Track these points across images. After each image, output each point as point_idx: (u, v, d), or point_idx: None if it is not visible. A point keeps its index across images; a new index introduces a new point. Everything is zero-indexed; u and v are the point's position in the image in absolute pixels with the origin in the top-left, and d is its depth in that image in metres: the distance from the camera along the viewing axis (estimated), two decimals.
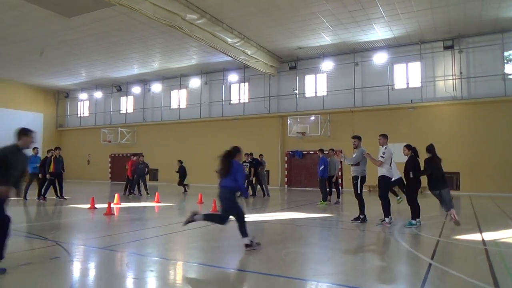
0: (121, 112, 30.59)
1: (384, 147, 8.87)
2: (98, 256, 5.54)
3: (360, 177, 8.89)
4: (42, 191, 13.29)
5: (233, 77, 25.37)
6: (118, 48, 21.82)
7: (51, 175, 13.31)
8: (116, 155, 30.15)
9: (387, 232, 7.72)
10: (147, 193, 16.45)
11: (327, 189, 13.54)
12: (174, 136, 27.42)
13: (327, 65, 22.25)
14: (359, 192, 8.89)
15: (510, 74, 18.57)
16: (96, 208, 11.18)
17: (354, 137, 9.33)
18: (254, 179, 16.49)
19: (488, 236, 7.25)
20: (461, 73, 19.28)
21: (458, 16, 17.05)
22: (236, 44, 19.10)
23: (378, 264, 5.56)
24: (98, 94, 30.71)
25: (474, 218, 9.90)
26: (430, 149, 8.88)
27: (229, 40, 18.51)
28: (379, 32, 19.02)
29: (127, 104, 30.32)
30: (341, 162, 12.94)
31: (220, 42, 18.26)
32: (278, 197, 17.07)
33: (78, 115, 32.87)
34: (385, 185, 8.62)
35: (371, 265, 5.46)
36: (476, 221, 9.43)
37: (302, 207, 12.36)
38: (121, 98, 30.61)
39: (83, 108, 32.78)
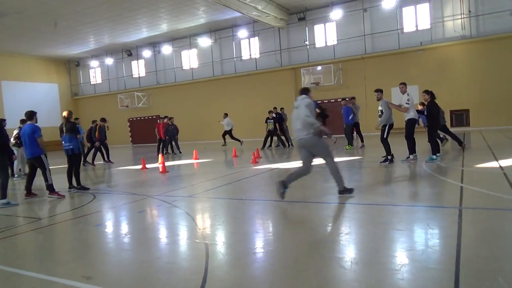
0: (133, 76, 31.23)
1: (406, 93, 9.84)
2: (193, 203, 6.74)
3: (388, 124, 9.85)
4: (91, 157, 14.55)
5: (242, 33, 25.72)
6: (129, 13, 22.18)
7: (95, 142, 14.47)
8: (134, 119, 31.20)
9: (415, 167, 8.92)
10: (180, 152, 17.68)
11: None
12: (188, 96, 28.27)
13: (336, 13, 22.52)
14: (385, 136, 9.91)
15: None
16: (147, 168, 12.44)
17: (377, 90, 10.15)
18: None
19: (504, 163, 8.41)
20: (469, 11, 19.68)
21: None
22: (247, 1, 19.46)
23: (416, 189, 6.78)
24: (109, 61, 31.18)
25: (489, 149, 11.06)
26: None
27: None
28: None
29: (138, 68, 30.89)
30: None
31: (233, 0, 18.66)
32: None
33: (91, 83, 33.55)
34: (413, 127, 9.69)
35: (411, 190, 6.68)
36: (490, 151, 10.58)
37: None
38: (132, 62, 31.12)
39: (96, 76, 33.38)
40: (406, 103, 9.67)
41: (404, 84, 10.02)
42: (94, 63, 32.21)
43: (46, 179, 7.78)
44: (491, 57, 19.42)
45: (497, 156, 9.47)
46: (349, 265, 3.32)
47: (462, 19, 20.00)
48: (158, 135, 17.92)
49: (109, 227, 5.53)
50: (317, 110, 16.77)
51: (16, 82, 29.29)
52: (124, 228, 5.41)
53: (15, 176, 11.93)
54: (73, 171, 8.70)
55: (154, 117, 30.04)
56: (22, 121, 10.71)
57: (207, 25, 25.79)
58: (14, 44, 26.71)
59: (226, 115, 20.79)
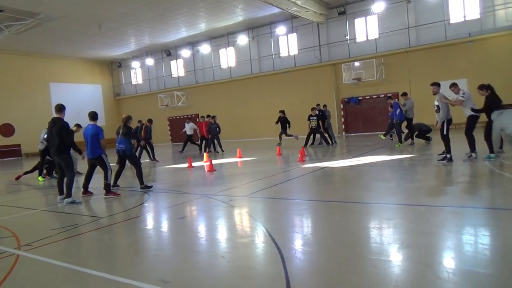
0: (172, 76, 31.79)
1: (462, 91, 9.35)
2: (251, 203, 6.65)
3: (446, 120, 9.37)
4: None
5: (280, 29, 25.51)
6: (170, 13, 22.54)
7: (142, 142, 14.82)
8: (174, 117, 31.78)
9: (479, 165, 8.43)
10: (222, 150, 17.78)
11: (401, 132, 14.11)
12: (227, 94, 28.43)
13: (378, 6, 21.83)
14: (445, 133, 9.44)
15: None
16: (193, 166, 12.56)
17: (433, 84, 9.67)
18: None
19: None
20: None
21: None
22: None
23: (495, 189, 6.37)
24: (150, 61, 31.88)
25: None
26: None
27: None
28: None
29: (177, 68, 31.41)
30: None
31: None
32: (347, 144, 17.82)
33: (133, 83, 34.47)
34: (473, 124, 9.18)
35: (488, 192, 6.28)
36: None
37: (378, 151, 13.10)
38: (171, 62, 31.67)
39: (137, 76, 34.27)
40: (462, 96, 9.19)
41: (454, 84, 9.55)
42: (135, 63, 33.05)
43: (106, 178, 7.99)
44: None
45: None
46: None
47: None
48: (200, 133, 18.11)
49: (171, 228, 5.55)
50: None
51: (63, 84, 30.58)
52: (187, 228, 5.40)
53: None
54: (122, 171, 9.03)
55: (193, 115, 30.45)
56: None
57: (245, 23, 25.78)
58: (60, 47, 27.86)
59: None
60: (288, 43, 25.98)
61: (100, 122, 28.83)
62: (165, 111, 31.40)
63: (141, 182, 8.73)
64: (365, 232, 4.50)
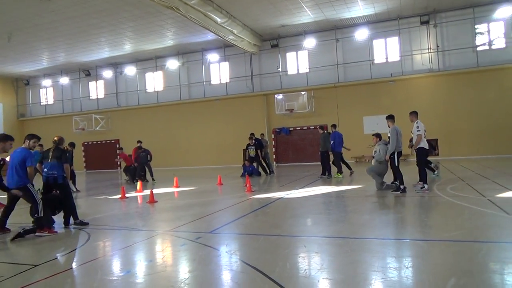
0: (91, 98, 29.19)
1: (416, 122, 9.63)
2: (224, 240, 5.58)
3: (396, 152, 9.50)
4: None
5: (212, 57, 25.09)
6: (94, 31, 20.78)
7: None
8: (90, 143, 28.97)
9: (431, 196, 8.53)
10: (153, 179, 16.27)
11: (330, 164, 14.17)
12: (153, 120, 26.83)
13: (309, 42, 22.69)
14: (396, 164, 9.55)
15: (480, 45, 20.21)
16: (127, 197, 11.05)
17: (388, 117, 9.89)
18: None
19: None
20: (437, 46, 20.64)
21: None
22: (225, 24, 19.01)
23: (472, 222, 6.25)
24: (64, 80, 28.98)
25: (461, 180, 11.05)
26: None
27: (219, 20, 18.39)
28: (362, 8, 19.73)
29: (97, 89, 28.96)
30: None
31: (211, 22, 18.10)
32: (284, 174, 17.50)
33: (42, 103, 30.88)
34: (424, 155, 9.43)
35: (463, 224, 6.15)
36: (463, 182, 10.56)
37: (319, 181, 12.93)
38: (90, 83, 29.14)
39: (47, 96, 30.81)
40: (417, 131, 9.44)
41: (413, 112, 9.85)
42: (46, 82, 29.77)
43: (37, 211, 6.39)
44: (457, 90, 20.37)
45: (475, 186, 9.36)
46: None
47: (430, 53, 20.91)
48: (128, 162, 16.46)
49: (136, 277, 4.34)
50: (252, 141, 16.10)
51: None
52: (164, 281, 4.25)
53: None
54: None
55: (113, 141, 28.12)
56: None
57: (176, 47, 24.89)
58: None
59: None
60: (220, 71, 25.59)
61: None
62: (80, 135, 28.45)
63: (76, 217, 7.20)
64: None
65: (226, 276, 4.15)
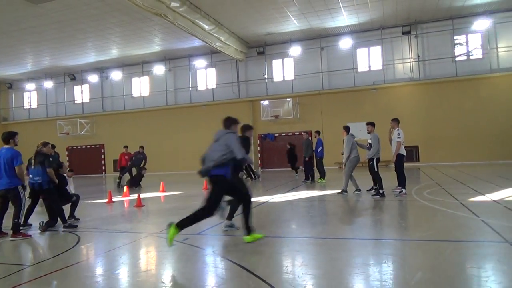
0: (75, 102, 29.08)
1: (397, 129, 10.06)
2: (212, 240, 5.81)
3: (375, 158, 9.92)
4: None
5: (199, 63, 25.37)
6: (81, 35, 20.85)
7: None
8: (74, 147, 28.80)
9: (409, 200, 8.95)
10: (139, 184, 16.32)
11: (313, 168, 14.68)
12: (138, 125, 26.88)
13: (295, 50, 23.19)
14: (376, 170, 9.96)
15: (458, 56, 21.00)
16: (114, 201, 11.17)
17: (369, 123, 10.30)
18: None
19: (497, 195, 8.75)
20: (418, 56, 21.37)
21: (418, 4, 18.85)
22: (212, 31, 19.34)
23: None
24: (48, 84, 28.83)
25: (454, 183, 11.59)
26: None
27: (206, 27, 18.73)
28: (346, 18, 20.32)
29: (82, 94, 28.87)
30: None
31: (198, 29, 18.43)
32: (270, 179, 17.82)
33: (25, 107, 30.60)
34: (402, 161, 9.87)
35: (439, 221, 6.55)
36: (439, 186, 11.08)
37: (303, 186, 13.27)
38: (75, 87, 29.06)
39: (31, 100, 30.54)
40: (397, 138, 9.85)
41: (395, 120, 10.22)
42: (30, 85, 29.54)
43: (17, 216, 6.53)
44: (437, 98, 21.09)
45: (478, 189, 9.87)
46: None
47: (411, 63, 21.61)
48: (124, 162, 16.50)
49: (127, 275, 4.57)
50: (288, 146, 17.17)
51: None
52: (153, 279, 4.49)
53: None
54: (34, 208, 7.60)
55: (97, 146, 28.04)
56: None
57: (162, 53, 25.11)
58: None
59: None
60: (206, 77, 25.85)
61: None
62: (65, 139, 28.27)
63: (64, 220, 7.35)
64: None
65: (213, 273, 4.41)
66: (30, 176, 7.32)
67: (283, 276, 4.13)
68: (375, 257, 4.66)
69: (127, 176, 16.50)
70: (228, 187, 5.56)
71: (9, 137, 6.74)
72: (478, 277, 3.80)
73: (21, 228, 6.84)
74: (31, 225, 7.48)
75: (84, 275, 4.55)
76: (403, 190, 9.82)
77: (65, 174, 8.41)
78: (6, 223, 6.89)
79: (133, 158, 15.90)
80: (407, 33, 21.41)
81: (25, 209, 6.93)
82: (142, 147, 16.45)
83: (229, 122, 5.89)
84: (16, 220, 6.55)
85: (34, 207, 7.61)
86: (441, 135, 20.98)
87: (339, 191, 10.52)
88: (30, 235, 6.79)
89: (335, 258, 4.68)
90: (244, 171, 16.67)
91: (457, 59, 21.00)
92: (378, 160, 10.01)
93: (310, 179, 14.34)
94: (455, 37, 20.92)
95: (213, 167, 5.39)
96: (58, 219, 7.35)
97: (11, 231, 6.58)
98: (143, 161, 16.10)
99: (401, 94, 21.90)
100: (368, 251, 5.00)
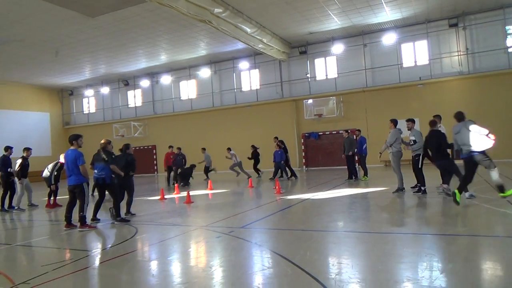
0: (129, 106, 30.91)
1: (439, 125, 10.03)
2: (255, 233, 6.30)
3: (421, 154, 9.88)
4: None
5: (242, 65, 26.04)
6: (132, 44, 22.22)
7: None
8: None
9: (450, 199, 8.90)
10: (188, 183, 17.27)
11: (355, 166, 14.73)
12: (187, 127, 28.06)
13: (337, 48, 23.15)
14: (420, 166, 9.92)
15: (511, 46, 20.00)
16: (166, 198, 12.03)
17: (409, 120, 10.28)
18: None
19: None
20: (467, 48, 20.57)
21: None
22: (255, 34, 19.86)
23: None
24: (105, 90, 30.85)
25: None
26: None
27: (249, 30, 19.27)
28: (389, 13, 20.02)
29: (135, 98, 30.64)
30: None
31: (241, 33, 19.02)
32: (313, 178, 18.10)
33: (85, 112, 32.96)
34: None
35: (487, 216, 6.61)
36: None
37: (345, 184, 13.42)
38: (128, 92, 30.88)
39: (89, 105, 32.87)
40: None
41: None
42: (88, 92, 31.79)
43: (82, 210, 7.41)
44: (488, 92, 20.17)
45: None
46: None
47: (459, 56, 20.87)
48: (167, 163, 17.69)
49: (184, 262, 5.16)
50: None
51: (7, 111, 28.51)
52: (202, 264, 5.05)
53: (15, 208, 11.27)
54: (102, 202, 8.44)
55: (150, 147, 29.64)
56: (6, 149, 11.35)
57: (208, 57, 26.04)
58: (9, 72, 26.20)
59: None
60: (250, 78, 26.50)
61: (46, 152, 27.61)
62: (120, 141, 30.08)
63: (118, 214, 8.16)
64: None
65: (255, 261, 4.89)
66: (95, 171, 8.17)
67: (318, 263, 4.52)
68: (416, 252, 4.90)
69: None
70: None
71: (73, 139, 7.63)
72: None
73: (91, 222, 7.78)
74: (99, 220, 8.34)
75: (141, 260, 5.22)
76: (444, 185, 9.69)
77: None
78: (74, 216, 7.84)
79: (175, 160, 16.87)
80: (454, 25, 20.69)
81: (88, 203, 7.79)
82: (179, 148, 17.49)
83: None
84: (81, 213, 7.45)
85: (101, 202, 8.44)
86: (495, 130, 19.96)
87: (394, 190, 10.25)
88: (95, 227, 7.67)
89: (369, 249, 4.98)
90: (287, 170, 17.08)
91: (510, 50, 19.99)
92: (424, 156, 9.95)
93: (353, 177, 14.41)
94: (507, 27, 19.93)
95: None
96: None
97: (79, 223, 7.48)
98: (184, 160, 17.05)
99: (450, 88, 21.19)
100: (404, 244, 5.24)
